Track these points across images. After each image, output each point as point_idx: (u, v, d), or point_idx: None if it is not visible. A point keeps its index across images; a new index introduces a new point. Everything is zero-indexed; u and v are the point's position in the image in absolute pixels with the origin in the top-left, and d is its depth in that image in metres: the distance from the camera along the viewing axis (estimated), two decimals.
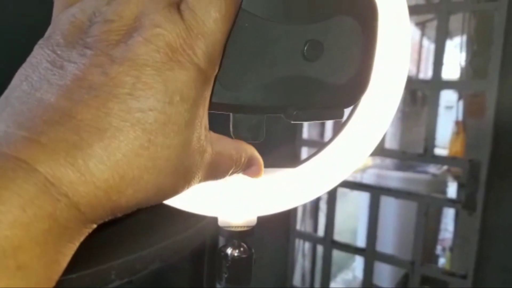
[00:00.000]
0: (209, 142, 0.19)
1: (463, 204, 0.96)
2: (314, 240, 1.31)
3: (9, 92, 0.16)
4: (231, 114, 0.21)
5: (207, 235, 0.61)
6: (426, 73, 2.62)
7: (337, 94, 0.21)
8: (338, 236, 1.17)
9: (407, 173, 1.66)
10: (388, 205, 1.48)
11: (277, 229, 1.25)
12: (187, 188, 0.18)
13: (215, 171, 0.20)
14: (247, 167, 0.22)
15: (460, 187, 1.07)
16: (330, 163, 0.29)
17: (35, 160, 0.14)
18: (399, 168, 1.73)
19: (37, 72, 0.16)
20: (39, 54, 0.16)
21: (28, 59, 0.17)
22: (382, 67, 0.26)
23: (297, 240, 1.27)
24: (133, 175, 0.15)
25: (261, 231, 0.30)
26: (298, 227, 1.29)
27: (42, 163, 0.14)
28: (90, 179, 0.14)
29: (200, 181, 0.19)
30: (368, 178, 1.66)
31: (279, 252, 1.23)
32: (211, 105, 0.19)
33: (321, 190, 0.29)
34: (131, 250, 0.54)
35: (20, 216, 0.13)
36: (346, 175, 0.30)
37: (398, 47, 0.26)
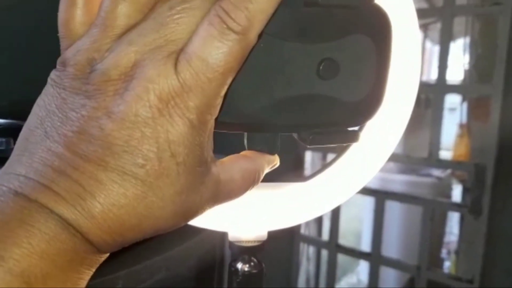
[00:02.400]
0: (213, 177, 0.19)
1: (469, 208, 0.96)
2: (318, 244, 1.31)
3: (27, 133, 0.18)
4: None
5: (215, 242, 0.61)
6: (429, 75, 2.61)
7: (352, 112, 0.21)
8: (342, 239, 1.16)
9: (412, 176, 1.65)
10: (393, 209, 1.47)
11: (281, 233, 1.25)
12: (191, 220, 0.19)
13: (228, 196, 0.20)
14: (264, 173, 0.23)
15: (466, 191, 1.07)
16: (340, 177, 0.29)
17: (52, 205, 0.16)
18: (403, 171, 1.73)
19: (49, 118, 0.18)
20: (50, 94, 0.18)
21: (43, 95, 0.18)
22: (394, 82, 0.26)
23: (301, 244, 1.27)
24: (131, 223, 0.17)
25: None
26: (302, 231, 1.29)
27: (58, 208, 0.16)
28: (96, 224, 0.16)
29: (210, 208, 0.19)
30: (372, 182, 1.64)
31: (284, 255, 1.23)
32: (225, 125, 0.19)
33: (331, 204, 0.29)
34: (137, 259, 0.54)
35: (47, 249, 0.16)
36: (357, 190, 0.30)
37: (409, 61, 0.26)
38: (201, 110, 0.17)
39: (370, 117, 0.22)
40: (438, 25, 1.20)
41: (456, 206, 1.02)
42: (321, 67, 0.19)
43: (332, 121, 0.21)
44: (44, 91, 0.18)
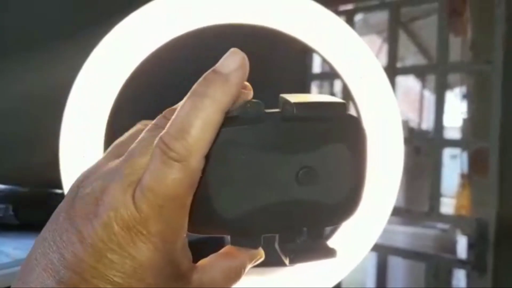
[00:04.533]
0: (195, 284, 0.20)
1: (473, 265, 0.93)
2: None
3: (26, 260, 0.19)
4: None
5: None
6: (429, 122, 2.64)
7: (332, 212, 0.22)
8: None
9: (415, 227, 1.62)
10: (397, 262, 1.44)
11: None
12: None
13: None
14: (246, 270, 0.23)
15: (470, 246, 1.04)
16: (328, 264, 0.29)
17: None
18: (405, 222, 1.70)
19: (42, 244, 0.19)
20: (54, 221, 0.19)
21: (49, 226, 0.19)
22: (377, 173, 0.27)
23: None
24: None
25: None
26: None
27: None
28: None
29: None
30: None
31: None
32: (209, 231, 0.20)
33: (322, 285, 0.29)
34: None
35: None
36: (346, 272, 0.29)
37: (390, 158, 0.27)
38: (164, 234, 0.18)
39: (349, 216, 0.22)
40: (433, 76, 1.23)
41: (460, 263, 1.00)
42: (299, 174, 0.20)
43: (313, 222, 0.21)
44: (49, 225, 0.20)
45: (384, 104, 0.28)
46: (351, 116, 0.22)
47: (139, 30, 0.33)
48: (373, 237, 0.30)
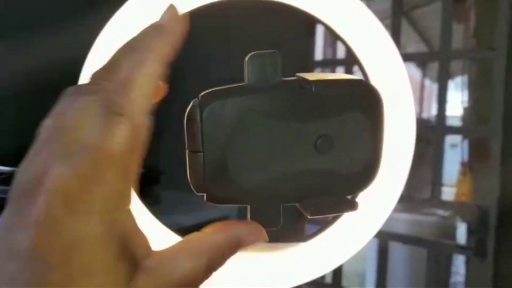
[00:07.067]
0: (146, 271, 0.18)
1: (474, 250, 0.94)
2: (321, 287, 1.28)
3: None
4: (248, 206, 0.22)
5: None
6: (430, 111, 2.64)
7: (350, 182, 0.22)
8: (346, 280, 1.14)
9: (415, 215, 1.63)
10: (397, 249, 1.45)
11: None
12: None
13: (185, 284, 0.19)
14: (244, 244, 0.21)
15: (470, 232, 1.05)
16: (341, 237, 0.29)
17: None
18: (406, 209, 1.71)
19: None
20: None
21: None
22: (389, 147, 0.27)
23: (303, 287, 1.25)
24: None
25: None
26: None
27: None
28: None
29: None
30: None
31: None
32: (228, 200, 0.20)
33: (333, 264, 0.29)
34: None
35: None
36: (358, 248, 0.30)
37: (404, 127, 0.27)
38: (107, 202, 0.16)
39: (367, 186, 0.23)
40: (435, 64, 1.23)
41: (460, 249, 1.01)
42: (318, 143, 0.20)
43: (331, 192, 0.22)
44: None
45: (395, 81, 0.28)
46: (370, 86, 0.22)
47: (151, 5, 0.33)
48: (380, 218, 0.30)
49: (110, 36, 0.34)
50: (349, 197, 0.22)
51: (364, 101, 0.21)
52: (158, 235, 0.32)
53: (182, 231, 0.30)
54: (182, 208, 0.60)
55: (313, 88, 0.20)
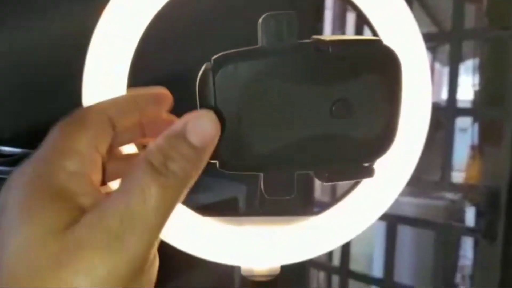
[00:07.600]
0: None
1: (483, 233, 0.94)
2: (329, 269, 1.29)
3: None
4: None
5: (223, 278, 0.60)
6: (439, 95, 2.61)
7: (367, 148, 0.21)
8: (354, 263, 1.15)
9: (424, 199, 1.62)
10: (405, 232, 1.45)
11: None
12: None
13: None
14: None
15: (479, 214, 1.05)
16: (352, 212, 0.29)
17: None
18: (415, 193, 1.70)
19: None
20: None
21: None
22: (406, 114, 0.26)
23: (311, 270, 1.25)
24: None
25: None
26: None
27: None
28: None
29: None
30: None
31: (294, 282, 1.21)
32: (242, 167, 0.20)
33: (343, 239, 0.29)
34: None
35: None
36: (368, 224, 0.29)
37: (419, 93, 0.26)
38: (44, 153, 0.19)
39: (384, 152, 0.22)
40: (446, 47, 1.20)
41: (469, 231, 1.00)
42: (334, 108, 0.20)
43: (347, 158, 0.21)
44: None
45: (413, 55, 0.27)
46: (387, 47, 0.21)
47: None
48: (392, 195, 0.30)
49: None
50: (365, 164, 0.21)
51: (382, 62, 0.20)
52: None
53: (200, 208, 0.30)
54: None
55: (330, 49, 0.19)
